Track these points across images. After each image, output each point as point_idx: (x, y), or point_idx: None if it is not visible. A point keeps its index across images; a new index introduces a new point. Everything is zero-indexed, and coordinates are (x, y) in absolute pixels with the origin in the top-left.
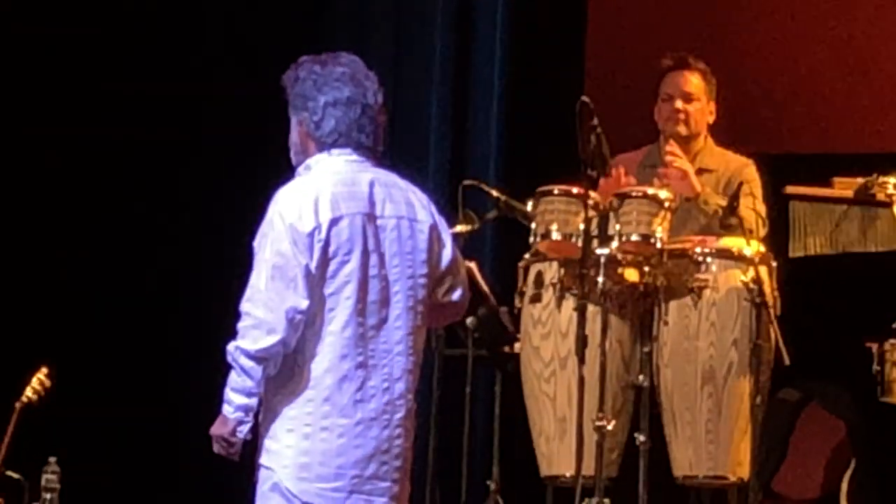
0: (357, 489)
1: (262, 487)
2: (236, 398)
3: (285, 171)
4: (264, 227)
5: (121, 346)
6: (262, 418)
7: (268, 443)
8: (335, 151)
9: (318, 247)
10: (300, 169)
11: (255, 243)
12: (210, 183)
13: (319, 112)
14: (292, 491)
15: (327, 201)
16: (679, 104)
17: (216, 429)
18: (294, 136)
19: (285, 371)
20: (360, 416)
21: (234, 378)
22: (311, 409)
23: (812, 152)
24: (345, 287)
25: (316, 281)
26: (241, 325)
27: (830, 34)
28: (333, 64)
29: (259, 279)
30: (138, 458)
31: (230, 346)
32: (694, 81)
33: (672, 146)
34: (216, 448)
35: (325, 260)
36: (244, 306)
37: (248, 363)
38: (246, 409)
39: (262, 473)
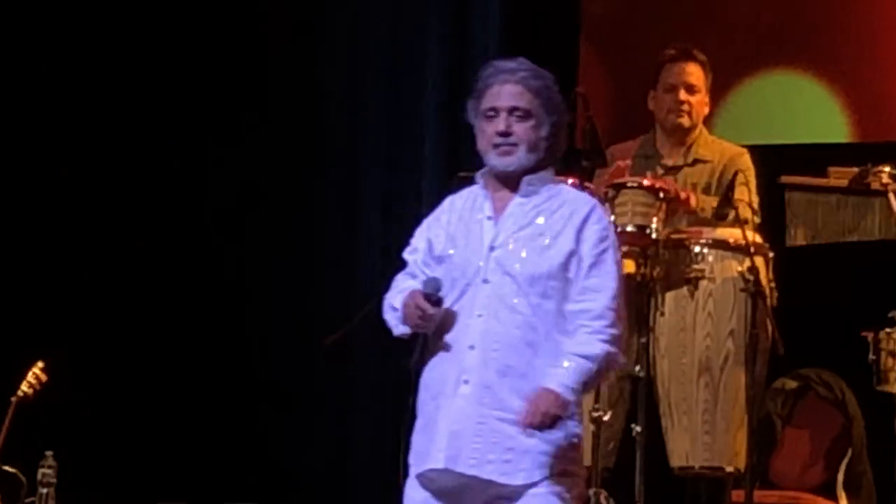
0: None
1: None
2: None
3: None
4: (611, 235)
5: (116, 339)
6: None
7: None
8: None
9: None
10: (542, 179)
11: (601, 248)
12: (210, 180)
13: (566, 136)
14: None
15: None
16: (682, 95)
17: (551, 406)
18: (542, 143)
19: None
20: None
21: (592, 375)
22: None
23: (807, 142)
24: None
25: None
26: (613, 332)
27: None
28: None
29: (619, 287)
30: (134, 452)
31: (607, 349)
32: (696, 73)
33: (656, 179)
34: (539, 420)
35: None
36: (613, 315)
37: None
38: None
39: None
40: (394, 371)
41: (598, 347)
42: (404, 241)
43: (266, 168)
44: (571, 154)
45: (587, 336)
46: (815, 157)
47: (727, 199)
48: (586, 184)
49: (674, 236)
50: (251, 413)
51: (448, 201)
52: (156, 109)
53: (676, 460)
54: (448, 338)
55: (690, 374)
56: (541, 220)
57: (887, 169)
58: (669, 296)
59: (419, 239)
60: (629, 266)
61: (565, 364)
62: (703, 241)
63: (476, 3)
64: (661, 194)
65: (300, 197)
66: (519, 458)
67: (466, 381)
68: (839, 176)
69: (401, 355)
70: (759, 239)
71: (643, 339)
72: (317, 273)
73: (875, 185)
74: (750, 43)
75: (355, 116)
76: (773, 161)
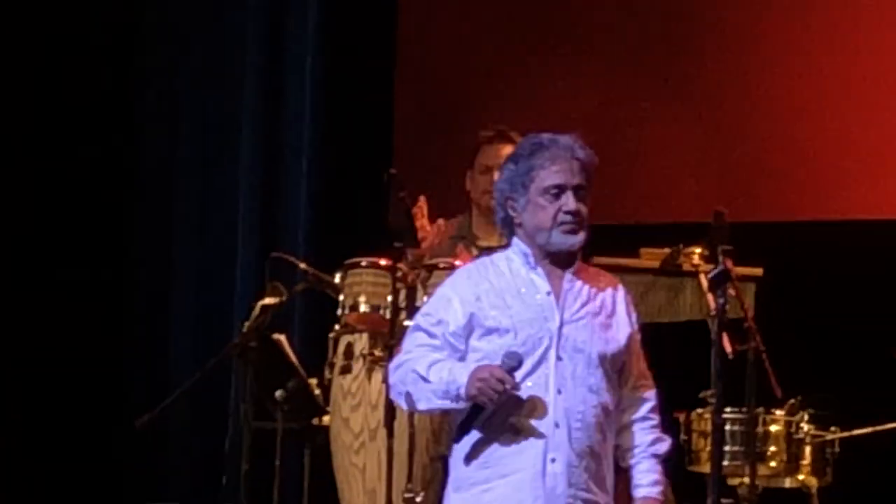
0: None
1: None
2: None
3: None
4: None
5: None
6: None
7: None
8: None
9: None
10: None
11: (639, 332)
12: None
13: None
14: None
15: None
16: (497, 177)
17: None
18: None
19: None
20: None
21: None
22: None
23: (619, 223)
24: None
25: None
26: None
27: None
28: None
29: None
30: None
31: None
32: None
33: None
34: None
35: None
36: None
37: None
38: None
39: None
40: (206, 450)
41: (667, 446)
42: (217, 320)
43: (73, 235)
44: (385, 236)
45: (658, 433)
46: (628, 238)
47: None
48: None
49: None
50: (63, 494)
51: (472, 274)
52: None
53: None
54: (524, 414)
55: None
56: (595, 299)
57: (698, 250)
58: None
59: (444, 311)
60: None
61: (655, 468)
62: None
63: (290, 83)
64: None
65: (111, 275)
66: None
67: (554, 460)
68: (651, 257)
69: (212, 434)
70: None
71: None
72: (127, 351)
73: (686, 266)
74: (563, 126)
75: (167, 191)
76: (586, 242)
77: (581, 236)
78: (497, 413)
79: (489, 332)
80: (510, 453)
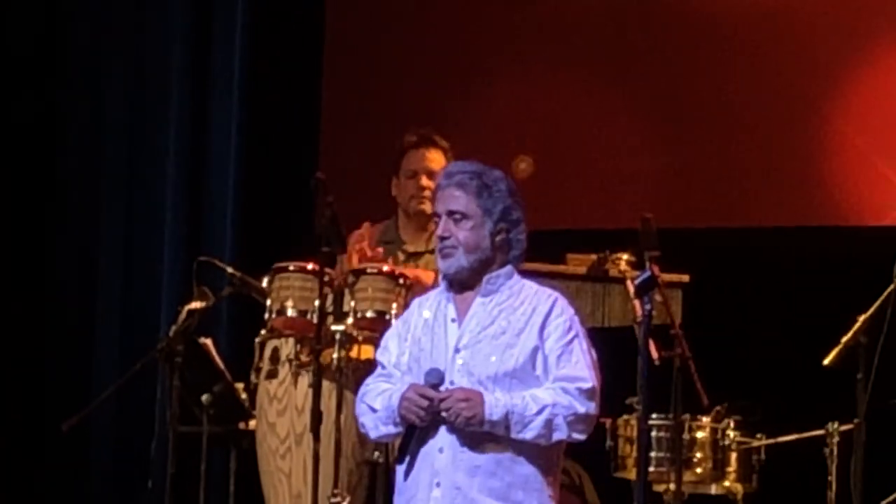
0: None
1: None
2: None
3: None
4: (576, 325)
5: None
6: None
7: None
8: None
9: None
10: (501, 277)
11: (566, 339)
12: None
13: (524, 232)
14: None
15: None
16: (424, 181)
17: (472, 405)
18: (484, 242)
19: None
20: None
21: (530, 420)
22: None
23: (546, 228)
24: None
25: None
26: (586, 412)
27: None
28: None
29: (594, 373)
30: None
31: (562, 410)
32: (438, 159)
33: (359, 242)
34: (453, 405)
35: None
36: (591, 402)
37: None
38: None
39: None
40: (132, 454)
41: (552, 400)
42: (143, 323)
43: None
44: (312, 240)
45: (554, 390)
46: (554, 243)
47: None
48: (327, 269)
49: None
50: None
51: (416, 302)
52: None
53: None
54: (420, 440)
55: None
56: (503, 319)
57: (625, 256)
58: None
59: (391, 339)
60: (369, 352)
61: (514, 394)
62: None
63: (216, 87)
64: (401, 280)
65: (36, 277)
66: None
67: (438, 485)
68: (577, 263)
69: (138, 438)
70: None
71: None
72: (51, 354)
73: (613, 272)
74: (488, 129)
75: (94, 194)
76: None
77: (452, 261)
78: (414, 438)
79: (406, 362)
80: (412, 479)
